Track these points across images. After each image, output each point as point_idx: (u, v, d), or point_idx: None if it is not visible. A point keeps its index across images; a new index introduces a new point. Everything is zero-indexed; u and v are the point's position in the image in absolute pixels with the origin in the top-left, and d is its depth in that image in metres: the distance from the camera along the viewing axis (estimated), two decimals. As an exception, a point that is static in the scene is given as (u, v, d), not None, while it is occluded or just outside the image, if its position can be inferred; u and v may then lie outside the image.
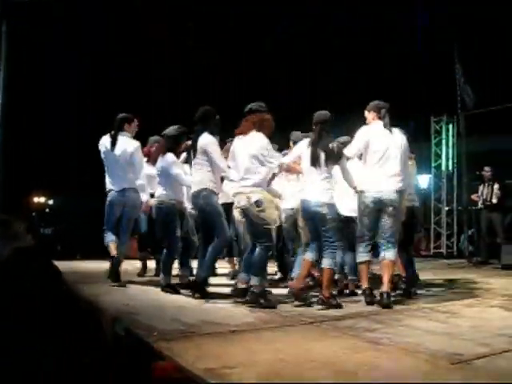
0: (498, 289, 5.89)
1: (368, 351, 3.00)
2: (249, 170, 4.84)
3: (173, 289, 5.39)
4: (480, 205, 9.82)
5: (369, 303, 4.77)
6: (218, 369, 2.57)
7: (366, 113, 5.22)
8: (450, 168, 12.82)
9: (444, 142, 12.87)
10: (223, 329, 3.58)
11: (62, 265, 8.19)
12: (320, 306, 4.60)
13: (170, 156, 5.54)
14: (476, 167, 10.41)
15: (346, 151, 4.99)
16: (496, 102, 11.51)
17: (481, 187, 9.83)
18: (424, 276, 7.32)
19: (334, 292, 5.14)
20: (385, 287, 4.69)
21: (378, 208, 4.91)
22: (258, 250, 4.82)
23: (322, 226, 4.76)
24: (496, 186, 9.57)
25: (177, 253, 5.71)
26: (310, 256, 4.89)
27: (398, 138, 5.00)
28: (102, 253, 10.09)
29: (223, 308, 4.58)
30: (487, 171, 9.81)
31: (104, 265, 8.78)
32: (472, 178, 10.66)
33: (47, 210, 26.53)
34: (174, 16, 16.59)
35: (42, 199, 28.83)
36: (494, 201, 9.54)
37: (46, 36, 16.52)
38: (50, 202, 28.03)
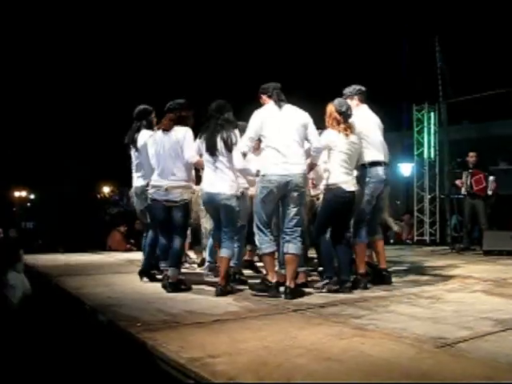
0: (480, 274, 5.94)
1: (353, 337, 2.99)
2: (176, 166, 4.98)
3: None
4: (463, 192, 9.82)
5: (272, 297, 4.45)
6: (202, 358, 2.54)
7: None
8: (432, 156, 12.89)
9: (426, 130, 12.93)
10: (208, 318, 3.57)
11: (45, 258, 8.16)
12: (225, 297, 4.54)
13: None
14: (457, 155, 10.46)
15: (240, 145, 4.67)
16: (477, 89, 11.57)
17: (464, 174, 9.79)
18: (408, 263, 7.39)
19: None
20: (287, 282, 4.47)
21: (282, 193, 4.55)
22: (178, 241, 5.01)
23: (228, 218, 4.76)
24: (491, 178, 9.42)
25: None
26: (225, 252, 4.76)
27: (295, 117, 4.62)
28: (83, 246, 10.09)
29: (207, 298, 4.55)
30: (472, 156, 9.77)
31: (86, 257, 8.75)
32: (454, 166, 10.70)
33: (29, 204, 26.23)
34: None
35: (24, 193, 28.52)
36: (489, 192, 9.46)
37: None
38: (32, 196, 27.73)
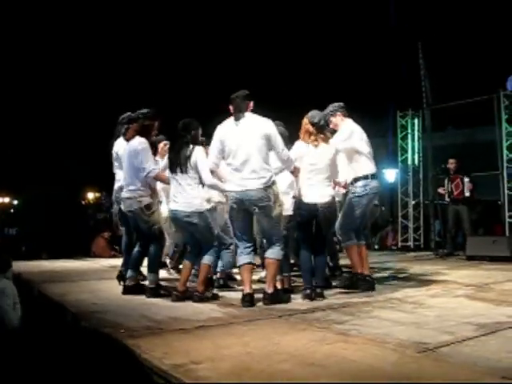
0: (462, 279, 6.00)
1: (337, 343, 3.01)
2: (135, 175, 5.08)
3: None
4: (446, 198, 9.96)
5: (246, 306, 4.36)
6: (185, 364, 2.54)
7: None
8: (416, 162, 13.00)
9: (410, 136, 13.04)
10: (191, 325, 3.56)
11: (28, 265, 8.09)
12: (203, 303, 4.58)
13: None
14: (441, 161, 10.57)
15: (207, 163, 4.68)
16: (461, 96, 11.70)
17: (446, 180, 9.99)
18: (392, 268, 7.44)
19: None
20: (266, 286, 4.52)
21: (243, 208, 4.54)
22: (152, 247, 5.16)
23: (198, 234, 4.84)
24: (466, 180, 9.67)
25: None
26: (206, 259, 4.81)
27: (251, 128, 4.50)
28: (67, 252, 10.01)
29: (191, 304, 4.54)
30: (452, 163, 9.96)
31: (70, 264, 8.69)
32: (438, 172, 10.81)
33: (12, 210, 25.96)
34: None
35: (7, 199, 28.22)
36: (467, 194, 9.65)
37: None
38: (15, 202, 27.45)
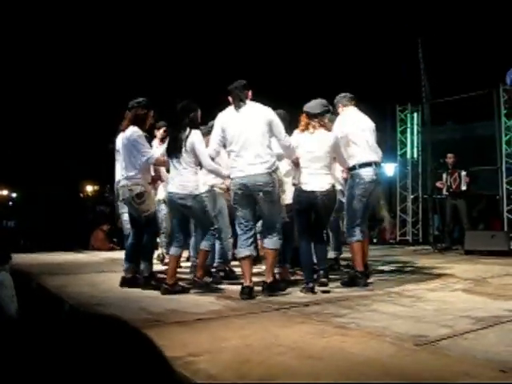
0: (461, 273, 6.00)
1: (335, 336, 3.01)
2: (130, 164, 5.06)
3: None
4: (445, 192, 9.98)
5: (245, 298, 4.36)
6: (184, 357, 2.54)
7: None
8: (415, 156, 13.00)
9: (409, 130, 13.04)
10: (190, 317, 3.57)
11: (27, 258, 8.09)
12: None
13: None
14: (440, 155, 10.57)
15: (208, 150, 4.73)
16: (459, 91, 11.70)
17: (444, 174, 10.00)
18: (391, 262, 7.45)
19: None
20: (266, 276, 4.55)
21: (248, 194, 4.57)
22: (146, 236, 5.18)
23: (194, 217, 4.91)
24: (463, 173, 9.71)
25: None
26: (204, 245, 4.87)
27: (252, 115, 4.56)
28: (67, 245, 10.02)
29: (190, 297, 4.55)
30: (450, 157, 9.99)
31: (69, 257, 8.69)
32: (436, 166, 10.82)
33: (10, 203, 25.95)
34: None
35: (5, 192, 28.19)
36: (464, 187, 9.68)
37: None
38: (14, 194, 27.44)
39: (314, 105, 4.88)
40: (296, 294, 4.60)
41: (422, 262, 7.50)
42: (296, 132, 4.92)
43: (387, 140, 14.72)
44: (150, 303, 4.16)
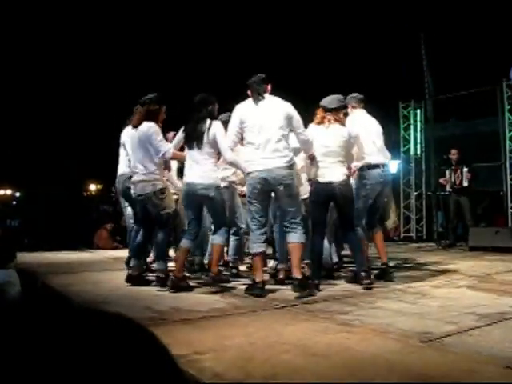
0: (465, 270, 5.99)
1: (339, 333, 3.01)
2: (148, 159, 4.98)
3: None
4: (448, 188, 9.96)
5: (255, 296, 4.33)
6: (188, 355, 2.54)
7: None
8: (419, 153, 12.96)
9: (412, 127, 12.99)
10: (194, 315, 3.57)
11: (31, 256, 8.11)
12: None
13: None
14: (443, 152, 10.54)
15: (227, 141, 4.68)
16: (463, 87, 11.66)
17: (448, 171, 9.98)
18: (395, 259, 7.43)
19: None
20: (294, 272, 4.44)
21: (266, 189, 4.54)
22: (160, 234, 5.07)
23: (211, 209, 4.80)
24: (465, 170, 9.69)
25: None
26: (218, 240, 4.79)
27: (271, 109, 4.53)
28: (71, 244, 10.04)
29: (194, 295, 4.55)
30: (454, 154, 9.96)
31: (73, 255, 8.70)
32: (440, 163, 10.79)
33: (14, 202, 26.02)
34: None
35: (9, 192, 28.26)
36: (465, 184, 9.66)
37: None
38: (17, 194, 27.51)
39: (331, 99, 4.91)
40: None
41: (426, 258, 7.49)
42: (311, 126, 4.94)
43: (391, 136, 14.72)
44: (154, 301, 4.16)
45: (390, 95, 13.61)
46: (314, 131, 4.85)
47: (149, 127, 5.02)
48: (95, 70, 18.69)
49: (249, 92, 4.68)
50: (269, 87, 4.66)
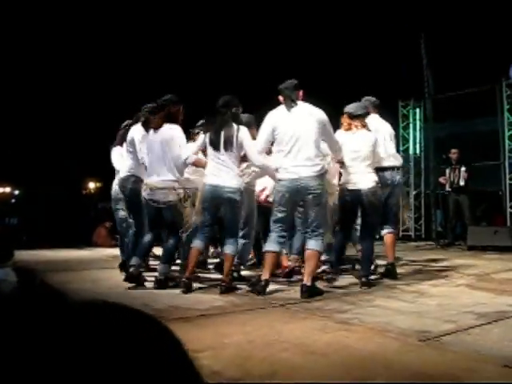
0: (464, 269, 6.00)
1: (338, 331, 3.01)
2: (168, 164, 4.90)
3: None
4: (448, 188, 9.94)
5: (257, 293, 4.37)
6: (187, 352, 2.53)
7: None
8: (418, 152, 12.96)
9: (411, 126, 12.99)
10: (193, 313, 3.57)
11: (29, 254, 8.10)
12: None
13: None
14: (443, 151, 10.54)
15: (256, 146, 4.67)
16: (462, 86, 11.66)
17: (448, 170, 9.97)
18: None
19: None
20: (304, 279, 4.40)
21: (294, 199, 4.54)
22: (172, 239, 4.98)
23: (231, 213, 4.72)
24: (463, 169, 9.69)
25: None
26: (230, 249, 4.72)
27: (304, 117, 4.50)
28: (68, 242, 10.03)
29: (193, 293, 4.55)
30: (454, 153, 9.95)
31: (72, 253, 8.70)
32: (439, 162, 10.78)
33: (13, 200, 26.00)
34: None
35: (8, 189, 28.22)
36: (462, 183, 9.66)
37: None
38: (16, 192, 27.49)
39: (356, 107, 5.10)
40: (298, 290, 4.58)
41: (425, 257, 7.50)
42: (340, 132, 5.11)
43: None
44: (152, 300, 4.15)
45: (390, 94, 13.60)
46: (343, 137, 4.98)
47: (172, 129, 4.91)
48: (95, 69, 18.66)
49: (280, 98, 4.62)
50: (301, 93, 4.62)
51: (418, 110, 12.94)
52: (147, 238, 5.17)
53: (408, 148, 13.01)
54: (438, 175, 10.47)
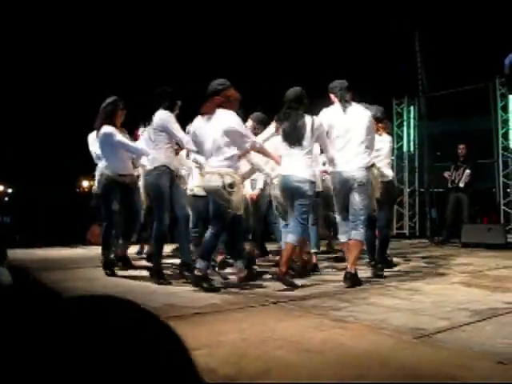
0: (458, 266, 6.02)
1: (333, 329, 3.01)
2: (221, 149, 4.55)
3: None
4: (449, 185, 9.79)
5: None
6: (182, 351, 2.53)
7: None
8: (412, 149, 12.99)
9: (405, 124, 13.02)
10: (188, 311, 3.56)
11: (23, 253, 8.06)
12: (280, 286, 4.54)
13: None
14: (437, 149, 10.55)
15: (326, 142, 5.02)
16: (456, 84, 11.69)
17: (452, 166, 9.73)
18: (388, 255, 7.44)
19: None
20: (348, 267, 4.69)
21: (344, 192, 4.90)
22: (210, 234, 4.61)
23: (299, 202, 4.73)
24: (467, 171, 9.48)
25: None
26: (292, 239, 4.71)
27: (357, 116, 4.89)
28: (61, 240, 9.99)
29: (188, 291, 4.54)
30: (462, 148, 9.69)
31: (66, 252, 8.67)
32: (433, 160, 10.79)
33: (6, 198, 25.90)
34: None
35: (1, 187, 28.13)
36: (461, 185, 9.51)
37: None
38: (9, 190, 27.38)
39: (380, 111, 5.67)
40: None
41: (419, 255, 7.52)
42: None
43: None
44: (148, 298, 4.13)
45: (384, 92, 13.62)
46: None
47: (230, 116, 4.58)
48: (95, 69, 18.61)
49: (332, 96, 5.01)
50: (351, 94, 4.99)
51: (411, 108, 12.97)
52: (209, 233, 4.70)
53: (402, 146, 13.04)
54: (432, 173, 10.42)
